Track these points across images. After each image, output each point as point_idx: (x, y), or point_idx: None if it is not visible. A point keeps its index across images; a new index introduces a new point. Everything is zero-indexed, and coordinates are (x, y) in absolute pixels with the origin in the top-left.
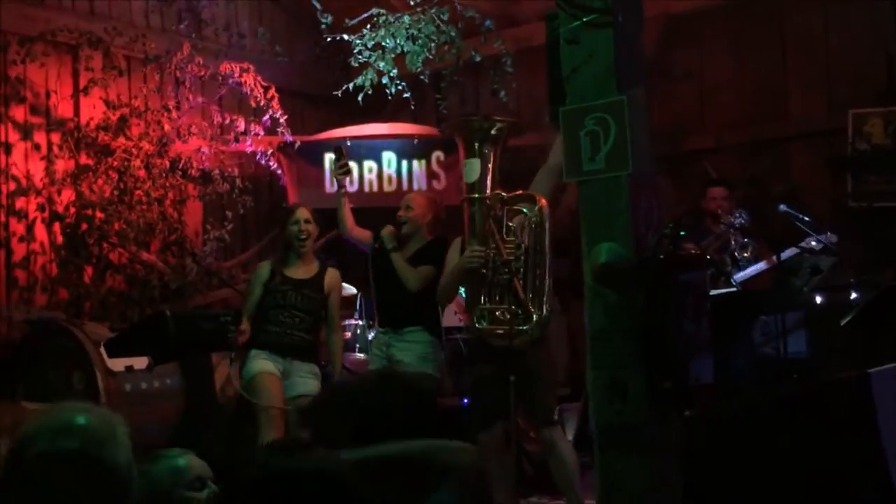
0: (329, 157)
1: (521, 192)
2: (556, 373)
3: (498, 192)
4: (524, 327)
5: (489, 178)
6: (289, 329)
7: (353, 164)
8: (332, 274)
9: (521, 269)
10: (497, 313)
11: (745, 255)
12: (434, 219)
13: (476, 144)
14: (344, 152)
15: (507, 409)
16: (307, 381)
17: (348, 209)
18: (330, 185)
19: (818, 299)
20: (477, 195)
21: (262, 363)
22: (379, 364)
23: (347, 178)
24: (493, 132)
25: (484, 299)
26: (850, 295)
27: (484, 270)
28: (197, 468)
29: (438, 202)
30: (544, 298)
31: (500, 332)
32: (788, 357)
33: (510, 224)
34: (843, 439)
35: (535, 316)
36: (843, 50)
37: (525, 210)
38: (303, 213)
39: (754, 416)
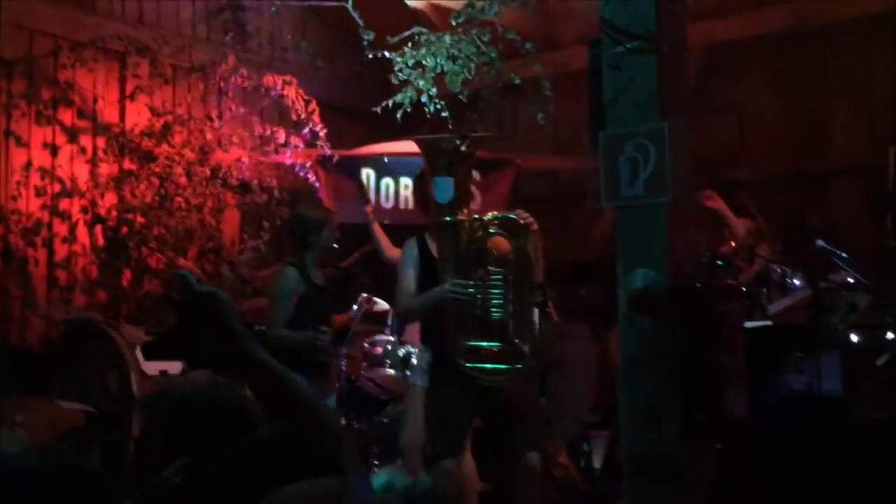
0: (365, 173)
1: (498, 213)
2: (536, 401)
3: (476, 214)
4: (518, 366)
5: (464, 198)
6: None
7: (389, 181)
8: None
9: (511, 303)
10: (485, 352)
11: (796, 280)
12: None
13: (447, 162)
14: (364, 186)
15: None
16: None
17: (381, 234)
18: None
19: (854, 337)
20: (451, 218)
21: None
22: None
23: (369, 207)
24: (464, 150)
25: (468, 335)
26: (886, 334)
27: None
28: None
29: None
30: (535, 333)
31: (490, 370)
32: (822, 395)
33: (492, 251)
34: (878, 481)
35: (525, 351)
36: (886, 86)
37: (506, 235)
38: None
39: (787, 454)
